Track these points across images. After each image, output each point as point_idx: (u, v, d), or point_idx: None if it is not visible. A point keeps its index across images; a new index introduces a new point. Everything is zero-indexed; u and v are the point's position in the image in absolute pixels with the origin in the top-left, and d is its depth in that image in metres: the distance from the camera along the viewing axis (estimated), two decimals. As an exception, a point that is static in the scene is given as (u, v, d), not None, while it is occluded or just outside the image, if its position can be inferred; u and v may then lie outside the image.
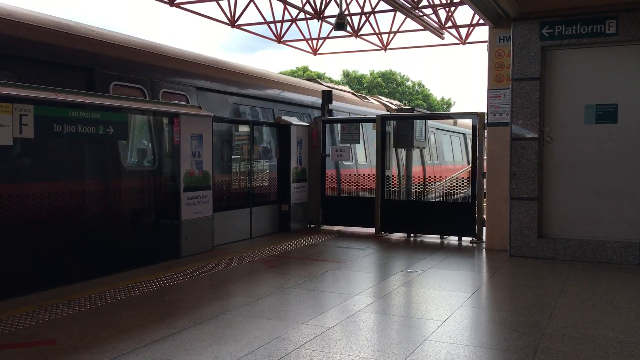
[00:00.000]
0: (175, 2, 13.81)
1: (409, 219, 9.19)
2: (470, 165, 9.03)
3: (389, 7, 14.61)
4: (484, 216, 8.44)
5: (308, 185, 10.01)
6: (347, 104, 13.63)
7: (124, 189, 6.76)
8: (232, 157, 9.36)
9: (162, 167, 7.44)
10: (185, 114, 7.24)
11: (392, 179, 9.74)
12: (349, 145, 10.38)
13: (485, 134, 8.48)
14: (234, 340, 4.15)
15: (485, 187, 8.44)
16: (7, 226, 5.36)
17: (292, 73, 47.62)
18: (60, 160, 6.21)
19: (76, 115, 5.79)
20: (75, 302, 5.09)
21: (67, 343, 4.06)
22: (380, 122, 9.53)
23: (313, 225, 10.07)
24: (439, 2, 15.66)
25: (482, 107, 8.24)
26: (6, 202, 5.32)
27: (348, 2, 16.13)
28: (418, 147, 10.98)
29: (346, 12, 15.78)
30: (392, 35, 17.92)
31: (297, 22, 17.05)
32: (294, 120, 9.91)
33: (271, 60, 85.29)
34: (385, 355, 3.88)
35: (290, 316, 4.82)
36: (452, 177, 10.21)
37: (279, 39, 17.18)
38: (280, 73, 16.37)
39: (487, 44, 8.30)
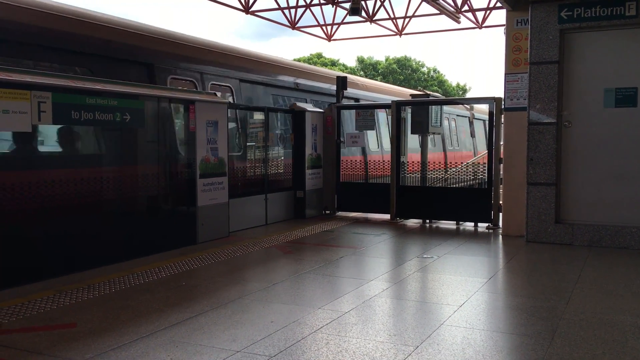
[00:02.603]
0: (189, -11, 13.77)
1: (424, 205, 9.16)
2: (487, 150, 8.96)
3: (404, -8, 14.45)
4: (500, 202, 8.39)
5: (323, 171, 10.02)
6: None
7: (141, 175, 6.82)
8: (247, 143, 9.41)
9: (178, 154, 7.48)
10: (200, 101, 7.26)
11: (407, 165, 9.70)
12: (363, 131, 10.35)
13: (502, 119, 8.40)
14: (251, 324, 4.19)
15: (501, 172, 8.38)
16: (28, 213, 5.44)
17: (307, 60, 47.46)
18: (78, 147, 6.28)
19: (93, 102, 5.83)
20: (95, 287, 5.17)
21: (87, 326, 4.13)
22: (395, 108, 9.48)
23: (328, 212, 10.09)
24: (455, -14, 15.47)
25: (498, 92, 8.20)
26: (27, 189, 5.40)
27: (363, -14, 15.98)
28: (433, 133, 10.92)
29: (361, -3, 15.63)
30: (407, 20, 17.76)
31: (311, 8, 16.96)
32: (309, 107, 9.88)
33: (285, 47, 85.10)
34: (401, 339, 3.89)
35: (306, 301, 4.84)
36: (468, 163, 10.15)
37: (293, 24, 17.11)
38: (295, 60, 16.37)
39: (504, 27, 8.19)
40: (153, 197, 7.01)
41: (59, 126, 5.90)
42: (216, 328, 4.10)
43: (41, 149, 5.86)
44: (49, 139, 5.94)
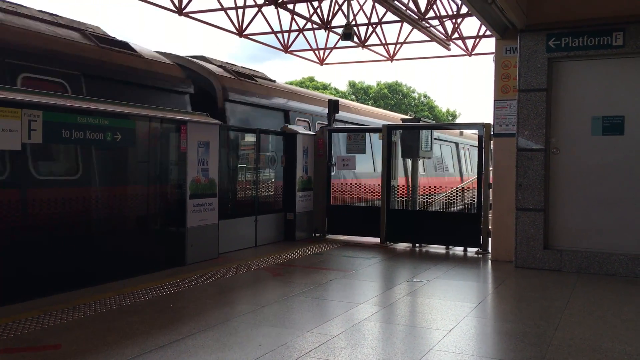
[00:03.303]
0: (183, 11, 13.92)
1: (414, 229, 9.17)
2: (476, 176, 9.02)
3: (396, 18, 14.69)
4: (490, 227, 8.42)
5: (313, 194, 10.02)
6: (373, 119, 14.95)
7: (131, 195, 6.78)
8: (238, 165, 9.41)
9: (169, 174, 7.47)
10: (192, 122, 7.28)
11: (398, 189, 9.73)
12: (354, 154, 10.39)
13: (492, 144, 8.47)
14: (239, 347, 4.15)
15: (491, 197, 8.42)
16: (13, 231, 5.38)
17: (299, 83, 47.77)
18: (67, 167, 6.25)
19: (84, 121, 5.83)
20: (81, 308, 5.10)
21: (73, 348, 4.07)
22: (386, 131, 9.55)
23: (318, 234, 10.07)
24: (445, 14, 15.73)
25: (486, 119, 8.29)
26: (13, 208, 5.35)
27: (355, 12, 16.22)
28: (424, 157, 10.98)
29: (353, 23, 15.86)
30: (398, 46, 18.01)
31: (304, 32, 17.16)
32: (300, 129, 9.94)
33: (278, 71, 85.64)
34: (390, 364, 3.86)
35: (295, 324, 4.81)
36: (457, 188, 10.20)
37: (286, 48, 17.28)
38: (287, 83, 16.58)
39: (493, 55, 8.32)
40: (142, 217, 6.96)
41: (49, 145, 5.87)
42: (203, 351, 4.05)
43: (29, 167, 5.82)
44: (38, 158, 5.90)
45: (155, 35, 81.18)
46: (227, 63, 10.97)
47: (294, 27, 16.78)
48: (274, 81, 12.00)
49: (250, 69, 11.65)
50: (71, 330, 4.47)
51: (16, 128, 5.16)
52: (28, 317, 4.75)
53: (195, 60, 10.01)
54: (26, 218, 5.47)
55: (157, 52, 9.00)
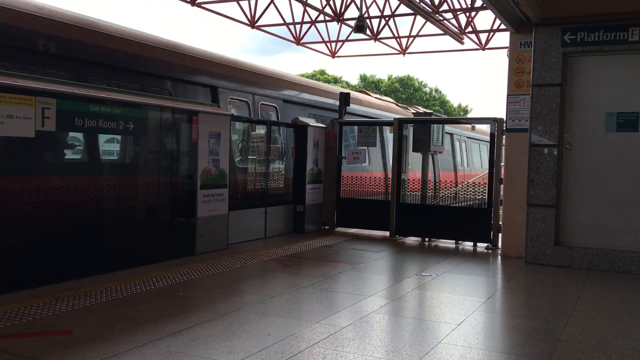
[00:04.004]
0: (196, 2, 13.92)
1: (423, 223, 9.15)
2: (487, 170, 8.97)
3: (409, 11, 14.60)
4: (500, 222, 8.38)
5: (323, 186, 10.02)
6: (391, 113, 14.25)
7: (141, 184, 6.82)
8: (249, 156, 9.43)
9: (180, 164, 7.49)
10: (204, 112, 7.29)
11: (408, 183, 9.71)
12: (365, 147, 10.37)
13: (504, 140, 8.42)
14: (248, 336, 4.17)
15: (502, 193, 8.38)
16: (26, 219, 5.43)
17: (310, 76, 47.71)
18: (79, 155, 6.29)
19: (97, 109, 5.86)
20: (92, 295, 5.15)
21: (83, 334, 4.11)
22: (397, 125, 9.52)
23: (327, 227, 10.07)
24: (459, 7, 15.62)
25: (498, 115, 8.23)
26: (25, 195, 5.39)
27: (368, 4, 16.14)
28: (435, 152, 10.94)
29: (366, 15, 15.80)
30: (411, 39, 17.91)
31: (317, 24, 17.11)
32: (311, 122, 9.93)
33: (289, 63, 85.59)
34: (398, 356, 3.86)
35: (303, 315, 4.82)
36: (468, 183, 10.16)
37: (297, 40, 17.25)
38: (298, 75, 16.52)
39: (507, 49, 8.26)
40: (153, 207, 7.00)
41: (61, 133, 5.90)
42: (213, 339, 4.08)
43: (41, 155, 5.86)
44: (50, 146, 5.94)
45: (166, 25, 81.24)
46: None
47: (306, 18, 16.74)
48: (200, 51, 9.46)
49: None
50: (82, 316, 4.51)
51: (30, 115, 5.19)
52: (39, 304, 4.80)
53: None
54: (37, 205, 5.51)
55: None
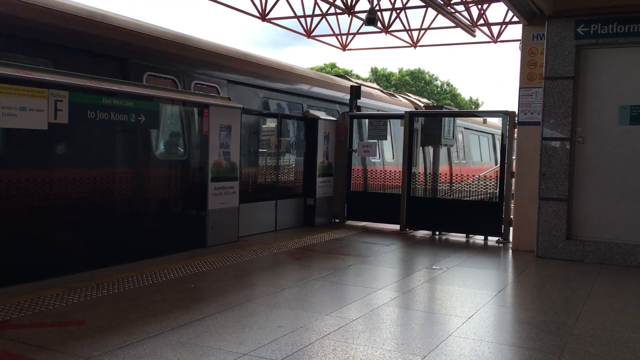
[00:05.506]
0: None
1: (434, 217, 9.13)
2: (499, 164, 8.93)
3: (421, 3, 14.50)
4: (511, 216, 8.34)
5: (334, 180, 10.02)
6: (375, 100, 13.65)
7: (153, 176, 6.86)
8: (260, 149, 9.45)
9: (191, 157, 7.53)
10: (215, 105, 7.31)
11: (419, 177, 9.69)
12: (375, 140, 10.35)
13: (515, 133, 8.37)
14: (259, 327, 4.19)
15: (513, 186, 8.34)
16: (40, 210, 5.48)
17: (321, 69, 47.61)
18: (92, 147, 6.33)
19: (109, 102, 5.89)
20: (104, 286, 5.20)
21: (96, 324, 4.15)
22: (408, 118, 9.48)
23: (337, 220, 10.08)
24: None
25: (510, 108, 8.17)
26: (38, 186, 5.44)
27: (379, -3, 16.06)
28: (446, 145, 10.89)
29: (377, 8, 15.72)
30: (422, 32, 17.80)
31: (327, 17, 17.05)
32: (322, 115, 9.92)
33: (300, 57, 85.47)
34: (408, 349, 3.87)
35: (314, 307, 4.84)
36: (479, 176, 10.12)
37: (308, 33, 17.21)
38: (309, 69, 16.42)
39: (519, 42, 8.19)
40: (164, 199, 7.04)
41: (74, 125, 5.94)
42: (223, 330, 4.10)
43: (54, 148, 5.91)
44: (62, 138, 5.98)
45: (177, 17, 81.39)
46: None
47: (317, 11, 16.69)
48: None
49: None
50: (95, 307, 4.56)
51: (43, 108, 5.23)
52: (53, 294, 4.86)
53: None
54: (50, 197, 5.56)
55: None
